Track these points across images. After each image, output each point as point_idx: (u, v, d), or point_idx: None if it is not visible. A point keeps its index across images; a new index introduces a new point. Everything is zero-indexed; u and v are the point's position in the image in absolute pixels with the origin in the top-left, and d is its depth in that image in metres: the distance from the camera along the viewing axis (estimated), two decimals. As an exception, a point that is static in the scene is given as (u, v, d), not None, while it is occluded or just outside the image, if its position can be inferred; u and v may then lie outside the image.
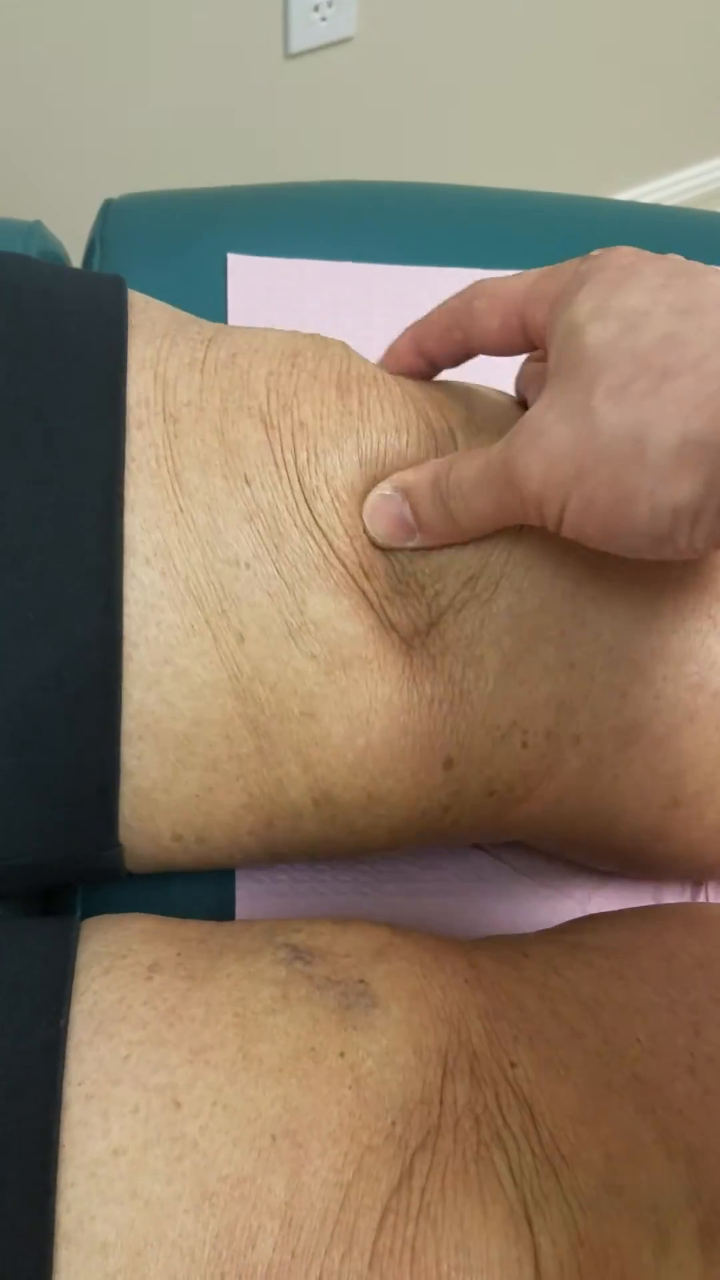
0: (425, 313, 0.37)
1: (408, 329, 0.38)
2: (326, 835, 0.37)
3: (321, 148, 1.23)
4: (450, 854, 0.46)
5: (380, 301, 0.56)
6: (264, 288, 0.57)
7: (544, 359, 0.36)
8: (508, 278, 0.34)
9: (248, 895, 0.44)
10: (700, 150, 1.47)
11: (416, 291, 0.56)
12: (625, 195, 1.49)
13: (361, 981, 0.32)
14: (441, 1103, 0.30)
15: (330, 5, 1.09)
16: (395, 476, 0.34)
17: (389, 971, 0.33)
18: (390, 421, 0.35)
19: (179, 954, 0.33)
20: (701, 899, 0.44)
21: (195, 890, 0.44)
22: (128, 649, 0.33)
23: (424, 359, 0.38)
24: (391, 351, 0.38)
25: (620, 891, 0.45)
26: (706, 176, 1.49)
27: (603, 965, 0.34)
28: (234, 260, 0.57)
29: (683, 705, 0.36)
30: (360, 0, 1.10)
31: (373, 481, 0.34)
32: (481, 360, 0.38)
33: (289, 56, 1.14)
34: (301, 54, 1.14)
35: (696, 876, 0.43)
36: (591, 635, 0.35)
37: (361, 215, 0.59)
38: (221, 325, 0.39)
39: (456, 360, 0.37)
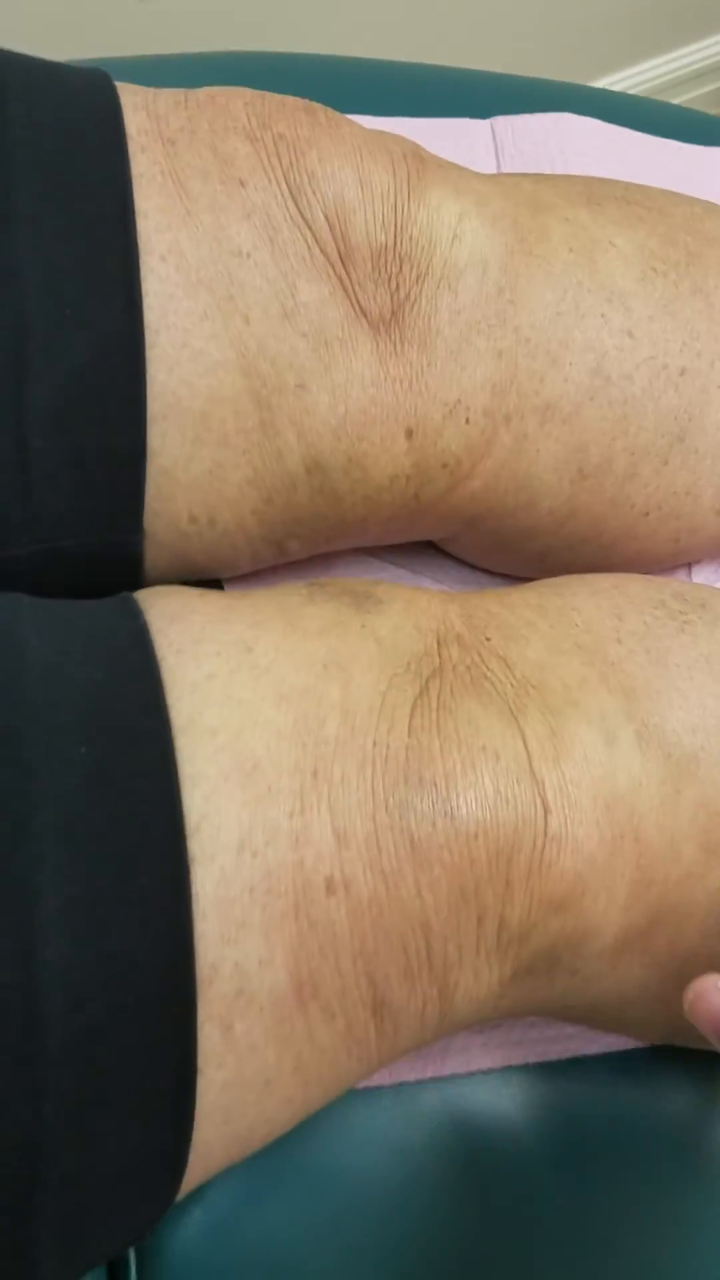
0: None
1: None
2: (315, 508, 0.45)
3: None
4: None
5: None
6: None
7: None
8: None
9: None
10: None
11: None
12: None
13: (368, 592, 0.41)
14: (440, 656, 0.39)
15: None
16: None
17: (386, 589, 0.42)
18: (357, 129, 0.43)
19: (219, 593, 0.41)
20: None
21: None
22: (150, 336, 0.39)
23: None
24: None
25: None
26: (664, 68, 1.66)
27: (542, 588, 0.45)
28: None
29: (584, 386, 0.46)
30: None
31: (351, 174, 0.42)
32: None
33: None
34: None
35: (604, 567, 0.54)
36: (513, 329, 0.45)
37: (279, 87, 0.68)
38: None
39: None
